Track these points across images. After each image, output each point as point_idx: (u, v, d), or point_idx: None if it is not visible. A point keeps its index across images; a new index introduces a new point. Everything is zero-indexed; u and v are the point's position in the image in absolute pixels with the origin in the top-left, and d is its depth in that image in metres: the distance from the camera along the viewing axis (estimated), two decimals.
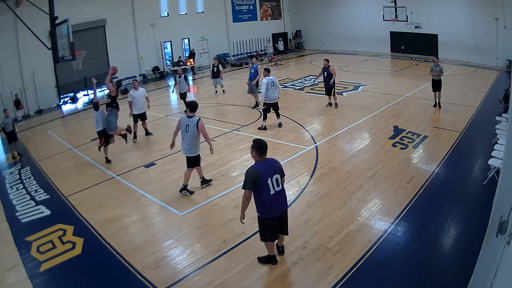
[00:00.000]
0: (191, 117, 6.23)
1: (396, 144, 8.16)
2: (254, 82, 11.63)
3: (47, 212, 6.44)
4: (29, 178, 8.14)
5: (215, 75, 14.22)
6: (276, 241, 4.48)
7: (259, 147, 4.21)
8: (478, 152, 7.68)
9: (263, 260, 4.54)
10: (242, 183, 4.14)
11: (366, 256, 4.54)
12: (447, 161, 7.19)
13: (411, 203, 5.70)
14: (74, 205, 6.54)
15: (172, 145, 6.54)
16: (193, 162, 6.42)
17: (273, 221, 4.25)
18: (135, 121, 9.81)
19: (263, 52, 24.82)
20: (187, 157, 6.39)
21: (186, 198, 6.40)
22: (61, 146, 10.31)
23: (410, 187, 6.22)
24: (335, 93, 11.49)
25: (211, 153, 6.45)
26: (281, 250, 4.70)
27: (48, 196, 7.06)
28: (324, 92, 11.66)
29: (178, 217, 5.83)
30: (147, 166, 8.04)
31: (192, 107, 6.30)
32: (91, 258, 5.04)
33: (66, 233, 5.65)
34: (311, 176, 6.84)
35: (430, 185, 6.27)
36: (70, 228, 5.77)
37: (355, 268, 4.33)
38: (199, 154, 6.45)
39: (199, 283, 4.30)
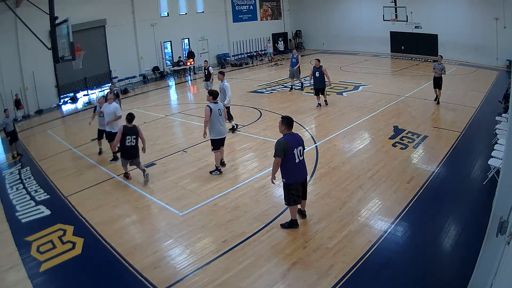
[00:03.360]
0: (217, 103, 7.10)
1: (396, 144, 8.16)
2: (295, 68, 13.63)
3: (47, 212, 6.44)
4: (29, 178, 8.14)
5: (207, 78, 13.80)
6: (299, 206, 5.27)
7: (288, 122, 5.04)
8: (478, 152, 7.67)
9: (286, 226, 5.17)
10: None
11: (366, 256, 4.53)
12: (447, 161, 7.19)
13: (411, 203, 5.70)
14: (74, 205, 6.54)
15: (206, 134, 7.09)
16: (223, 141, 7.29)
17: (297, 186, 5.00)
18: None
19: (263, 52, 24.80)
20: (224, 138, 7.21)
21: (186, 198, 6.40)
22: (61, 146, 10.31)
23: (410, 187, 6.21)
24: (325, 93, 11.52)
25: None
26: (304, 214, 5.40)
27: (48, 196, 7.07)
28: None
29: (178, 217, 5.83)
30: (147, 166, 8.00)
31: (216, 95, 7.19)
32: (91, 258, 5.04)
33: (66, 233, 5.65)
34: (311, 176, 6.83)
35: (430, 185, 6.27)
36: (70, 228, 5.77)
37: (355, 268, 4.32)
38: None
39: (199, 283, 4.30)
